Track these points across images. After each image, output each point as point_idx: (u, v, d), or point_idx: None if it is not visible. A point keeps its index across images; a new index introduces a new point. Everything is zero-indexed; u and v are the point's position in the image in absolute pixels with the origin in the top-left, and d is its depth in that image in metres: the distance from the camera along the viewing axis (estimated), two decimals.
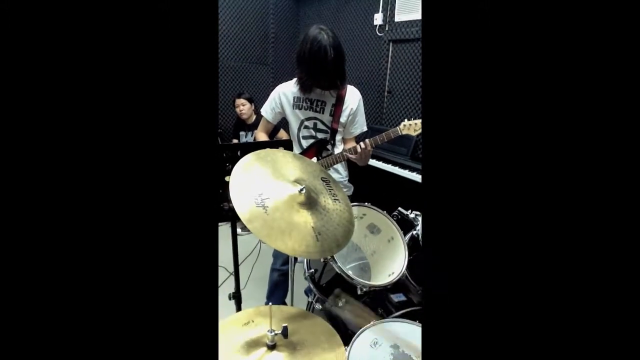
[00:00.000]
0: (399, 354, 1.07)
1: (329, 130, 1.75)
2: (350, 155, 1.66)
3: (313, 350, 0.94)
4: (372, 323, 1.16)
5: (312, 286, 1.40)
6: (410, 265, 1.43)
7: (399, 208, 1.54)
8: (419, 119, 1.62)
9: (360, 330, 1.13)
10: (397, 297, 1.50)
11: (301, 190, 1.03)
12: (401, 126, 1.60)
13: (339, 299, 1.32)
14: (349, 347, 1.06)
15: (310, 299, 1.69)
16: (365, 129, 1.83)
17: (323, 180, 1.14)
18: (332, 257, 1.26)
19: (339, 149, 1.80)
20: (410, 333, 1.15)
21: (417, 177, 2.35)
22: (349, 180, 1.93)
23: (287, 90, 1.74)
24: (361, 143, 1.63)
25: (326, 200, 1.09)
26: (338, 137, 1.80)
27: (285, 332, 0.90)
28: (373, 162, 2.51)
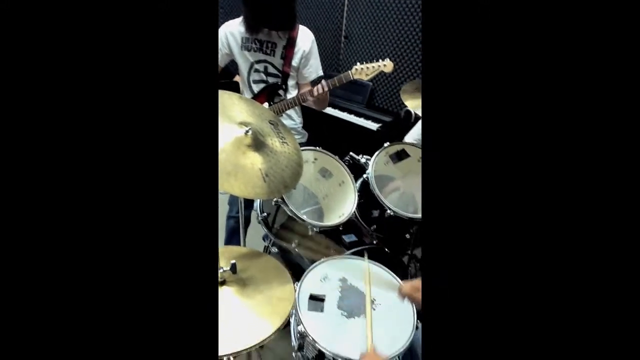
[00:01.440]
0: (346, 286, 1.15)
1: (280, 75, 1.69)
2: (308, 98, 1.61)
3: (262, 285, 0.98)
4: (322, 260, 1.22)
5: (265, 229, 1.43)
6: (359, 208, 1.49)
7: (351, 153, 1.56)
8: (374, 61, 1.59)
9: (311, 266, 1.19)
10: (348, 238, 1.57)
11: (247, 132, 1.01)
12: (353, 70, 1.58)
13: (293, 240, 1.37)
14: (299, 282, 1.12)
15: (266, 244, 1.73)
16: (320, 73, 1.78)
17: (271, 123, 1.12)
18: (283, 200, 1.28)
19: (292, 94, 1.75)
20: (358, 267, 1.23)
21: (371, 125, 2.38)
22: (304, 127, 1.91)
23: (234, 30, 1.63)
24: (318, 86, 1.59)
25: (274, 143, 1.08)
26: (291, 82, 1.75)
27: (233, 269, 0.93)
28: (328, 110, 2.49)
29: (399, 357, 0.98)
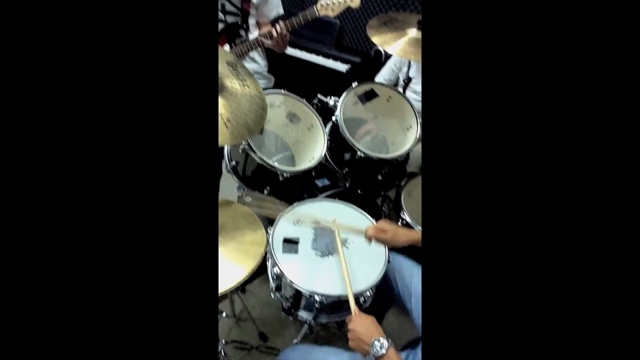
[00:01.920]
0: (319, 227, 1.17)
1: (239, 13, 1.56)
2: (266, 41, 1.52)
3: (234, 232, 0.98)
4: (295, 204, 1.22)
5: (235, 178, 1.40)
6: (331, 151, 1.48)
7: (319, 95, 1.51)
8: None
9: (284, 211, 1.19)
10: (321, 182, 1.58)
11: None
12: (318, 6, 1.47)
13: (265, 187, 1.36)
14: (273, 227, 1.13)
15: (239, 194, 1.72)
16: (281, 11, 1.66)
17: (229, 65, 1.04)
18: (250, 147, 1.24)
19: (253, 34, 1.64)
20: (330, 209, 1.24)
21: (341, 67, 2.29)
22: (269, 71, 1.81)
23: None
24: (276, 25, 1.49)
25: (234, 86, 1.01)
26: (251, 21, 1.63)
27: None
28: (295, 52, 2.37)
29: (372, 289, 1.03)
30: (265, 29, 1.60)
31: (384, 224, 1.05)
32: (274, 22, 1.60)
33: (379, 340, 0.80)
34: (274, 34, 1.48)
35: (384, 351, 0.78)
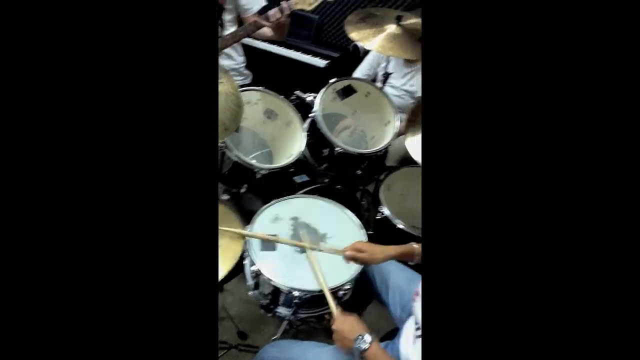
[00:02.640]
0: (298, 224, 1.17)
1: None
2: (265, 23, 1.43)
3: None
4: (272, 202, 1.22)
5: None
6: (310, 147, 1.48)
7: (297, 92, 1.50)
8: None
9: (262, 208, 1.19)
10: (300, 179, 1.58)
11: None
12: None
13: (242, 184, 1.35)
14: (250, 225, 1.12)
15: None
16: (263, 2, 1.62)
17: None
18: (226, 145, 1.23)
19: (229, 31, 1.61)
20: (309, 204, 1.25)
21: (319, 62, 2.29)
22: (247, 67, 1.79)
23: None
24: (274, 9, 1.41)
25: None
26: (228, 17, 1.60)
27: None
28: (272, 48, 2.34)
29: (351, 282, 1.04)
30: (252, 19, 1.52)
31: (361, 244, 1.06)
32: (262, 12, 1.54)
33: (362, 337, 0.82)
34: (273, 18, 1.39)
35: (367, 346, 0.80)
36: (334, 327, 0.88)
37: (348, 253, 1.05)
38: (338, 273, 1.04)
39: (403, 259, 1.08)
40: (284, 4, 1.41)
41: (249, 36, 1.50)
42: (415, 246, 1.02)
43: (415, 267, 1.11)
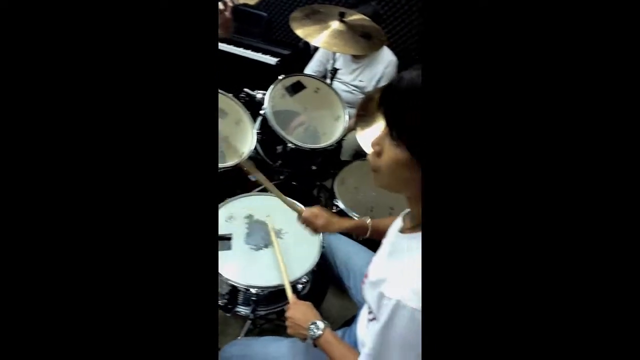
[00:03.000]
0: (252, 222, 1.17)
1: None
2: None
3: None
4: (225, 201, 1.21)
5: None
6: (263, 145, 1.48)
7: (245, 89, 1.49)
8: None
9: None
10: (254, 177, 1.57)
11: None
12: None
13: None
14: None
15: None
16: None
17: None
18: None
19: None
20: (262, 202, 1.25)
21: (270, 60, 2.28)
22: None
23: None
24: (218, 4, 1.39)
25: None
26: None
27: None
28: (222, 46, 2.30)
29: (308, 275, 1.06)
30: None
31: (319, 210, 1.06)
32: None
33: (314, 324, 0.82)
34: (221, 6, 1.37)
35: (320, 332, 0.81)
36: (287, 314, 0.88)
37: (306, 213, 1.05)
38: (297, 266, 1.06)
39: (356, 233, 1.10)
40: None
41: None
42: (368, 221, 1.05)
43: (364, 242, 1.13)
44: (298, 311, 0.88)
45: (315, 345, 0.82)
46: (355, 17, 1.53)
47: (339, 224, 1.06)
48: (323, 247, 1.12)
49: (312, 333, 0.82)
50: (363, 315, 0.91)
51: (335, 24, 1.48)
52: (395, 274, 0.63)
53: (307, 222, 1.05)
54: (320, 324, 0.82)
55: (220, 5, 1.39)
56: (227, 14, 1.40)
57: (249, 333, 1.43)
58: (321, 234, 1.13)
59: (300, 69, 1.96)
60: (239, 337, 1.39)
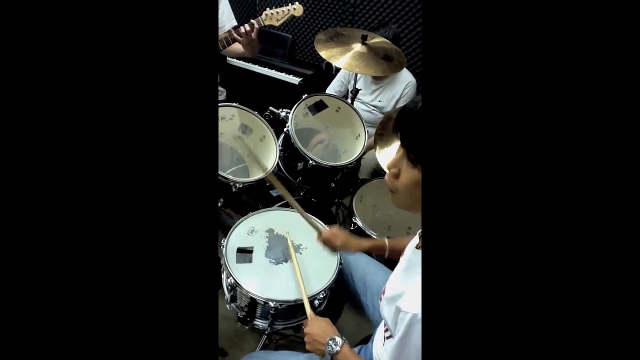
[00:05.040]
0: (273, 236, 1.20)
1: None
2: (238, 37, 1.50)
3: None
4: (248, 215, 1.24)
5: None
6: (284, 161, 1.52)
7: (270, 108, 1.55)
8: (284, 5, 1.53)
9: (237, 221, 1.21)
10: (275, 193, 1.61)
11: None
12: (263, 16, 1.52)
13: (218, 199, 1.36)
14: (226, 238, 1.14)
15: None
16: (234, 22, 1.68)
17: None
18: None
19: None
20: (283, 217, 1.28)
21: (293, 79, 2.36)
22: (221, 84, 1.83)
23: None
24: (245, 25, 1.49)
25: None
26: None
27: None
28: (248, 65, 2.40)
29: (325, 291, 1.07)
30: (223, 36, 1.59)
31: (338, 230, 1.09)
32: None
33: (333, 339, 0.83)
34: (243, 30, 1.48)
35: (338, 348, 0.82)
36: (306, 329, 0.89)
37: (325, 234, 1.07)
38: (316, 281, 1.07)
39: (375, 253, 1.11)
40: (252, 21, 1.48)
41: (223, 49, 1.56)
42: (386, 241, 1.06)
43: (386, 262, 1.14)
44: (316, 327, 0.89)
45: None
46: (377, 39, 1.58)
47: (357, 244, 1.08)
48: (341, 263, 1.14)
49: (330, 349, 0.82)
50: (379, 333, 0.91)
51: (357, 46, 1.53)
52: (411, 289, 0.63)
53: (326, 242, 1.07)
54: (339, 340, 0.83)
55: (247, 27, 1.48)
56: (253, 35, 1.49)
57: (264, 348, 1.44)
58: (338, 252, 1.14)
59: (321, 89, 2.01)
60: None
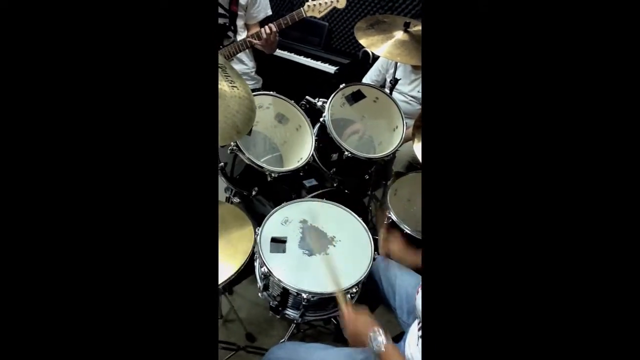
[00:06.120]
0: (307, 227, 1.19)
1: (227, 14, 1.57)
2: (255, 41, 1.55)
3: (221, 230, 0.99)
4: (283, 204, 1.24)
5: (223, 179, 1.41)
6: (319, 152, 1.50)
7: (307, 97, 1.53)
8: None
9: (272, 211, 1.21)
10: (309, 183, 1.60)
11: None
12: (305, 7, 1.49)
13: (252, 188, 1.37)
14: (261, 227, 1.14)
15: (227, 194, 1.73)
16: (269, 12, 1.68)
17: (218, 67, 1.05)
18: (238, 147, 1.25)
19: (241, 36, 1.65)
20: (318, 208, 1.26)
21: (329, 68, 2.32)
22: (257, 72, 1.83)
23: None
24: (265, 27, 1.52)
25: (222, 87, 1.03)
26: (240, 23, 1.64)
27: None
28: (284, 54, 2.38)
29: (358, 285, 1.06)
30: (253, 30, 1.62)
31: (399, 244, 1.19)
32: (262, 24, 1.62)
33: (376, 331, 0.83)
34: (263, 35, 1.50)
35: (382, 349, 0.82)
36: (346, 322, 0.89)
37: (383, 251, 1.15)
38: (348, 275, 1.06)
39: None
40: (272, 24, 1.50)
41: (236, 54, 1.61)
42: None
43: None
44: (358, 321, 0.89)
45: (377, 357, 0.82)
46: (420, 27, 1.51)
47: (414, 260, 1.13)
48: (374, 258, 1.11)
49: (376, 344, 0.82)
50: (412, 333, 0.89)
51: (399, 34, 1.47)
52: None
53: (387, 253, 1.15)
54: (381, 339, 0.83)
55: (267, 30, 1.48)
56: (272, 37, 1.50)
57: (292, 337, 1.45)
58: (372, 248, 1.13)
59: (358, 78, 1.96)
60: (282, 340, 1.41)
